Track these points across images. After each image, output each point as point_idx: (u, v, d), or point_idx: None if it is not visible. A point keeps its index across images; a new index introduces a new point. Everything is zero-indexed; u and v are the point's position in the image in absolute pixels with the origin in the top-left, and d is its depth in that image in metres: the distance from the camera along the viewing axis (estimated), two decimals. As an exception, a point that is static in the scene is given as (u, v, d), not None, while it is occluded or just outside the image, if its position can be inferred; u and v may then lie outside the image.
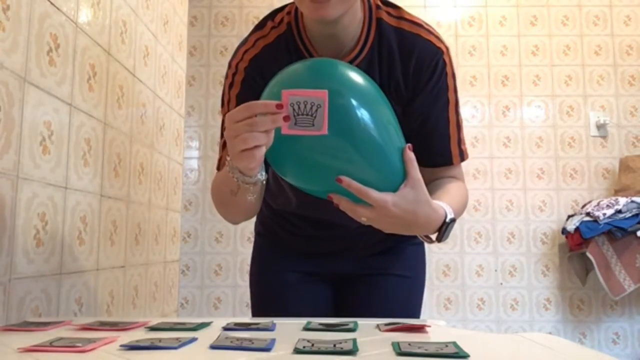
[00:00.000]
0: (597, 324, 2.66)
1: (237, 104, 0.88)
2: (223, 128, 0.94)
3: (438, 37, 0.98)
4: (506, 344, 0.76)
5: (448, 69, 0.98)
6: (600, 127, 2.77)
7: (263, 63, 0.96)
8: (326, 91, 0.71)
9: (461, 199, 0.99)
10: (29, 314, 1.20)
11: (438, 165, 1.02)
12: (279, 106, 0.72)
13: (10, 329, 0.86)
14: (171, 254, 2.40)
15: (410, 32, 0.96)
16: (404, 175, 0.81)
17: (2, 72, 1.11)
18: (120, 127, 1.75)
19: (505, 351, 0.72)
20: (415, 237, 0.99)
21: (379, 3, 0.98)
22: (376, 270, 1.14)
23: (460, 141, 1.04)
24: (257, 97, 0.84)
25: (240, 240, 2.70)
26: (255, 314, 1.20)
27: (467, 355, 0.62)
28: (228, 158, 0.80)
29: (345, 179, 0.76)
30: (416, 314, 1.17)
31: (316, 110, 0.72)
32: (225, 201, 0.95)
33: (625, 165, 2.63)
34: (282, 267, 1.17)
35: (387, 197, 0.78)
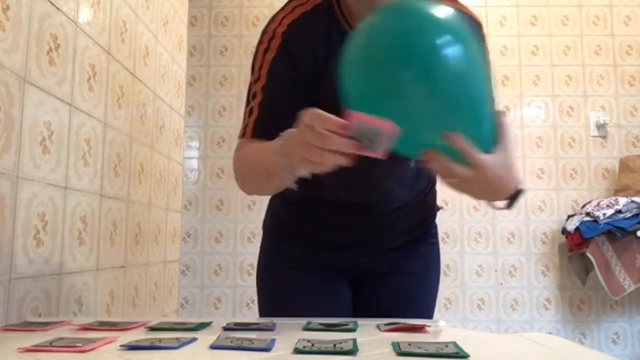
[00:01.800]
0: (597, 324, 2.66)
1: (270, 69, 0.91)
2: (252, 95, 0.95)
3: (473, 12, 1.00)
4: (506, 344, 0.76)
5: (486, 40, 1.00)
6: (600, 127, 2.77)
7: (301, 29, 0.94)
8: (391, 124, 0.68)
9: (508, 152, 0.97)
10: (29, 314, 1.20)
11: None
12: (346, 127, 0.69)
13: (10, 329, 0.86)
14: (171, 254, 2.40)
15: (453, 5, 0.95)
16: (494, 138, 0.78)
17: (2, 72, 1.11)
18: (120, 127, 1.75)
19: (505, 351, 0.72)
20: (433, 233, 1.05)
21: None
22: (394, 269, 1.11)
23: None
24: (291, 64, 0.88)
25: (240, 240, 2.70)
26: (266, 314, 1.12)
27: (467, 355, 0.62)
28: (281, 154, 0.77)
29: (454, 136, 0.73)
30: (431, 314, 1.16)
31: (377, 137, 0.69)
32: (254, 177, 0.94)
33: (625, 165, 2.63)
34: (298, 264, 1.10)
35: (487, 159, 0.76)
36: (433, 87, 0.70)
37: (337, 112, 0.74)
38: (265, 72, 0.96)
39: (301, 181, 0.85)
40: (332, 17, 0.96)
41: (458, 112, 0.73)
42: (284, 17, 0.97)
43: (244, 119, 0.99)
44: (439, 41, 0.70)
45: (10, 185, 1.14)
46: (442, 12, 0.73)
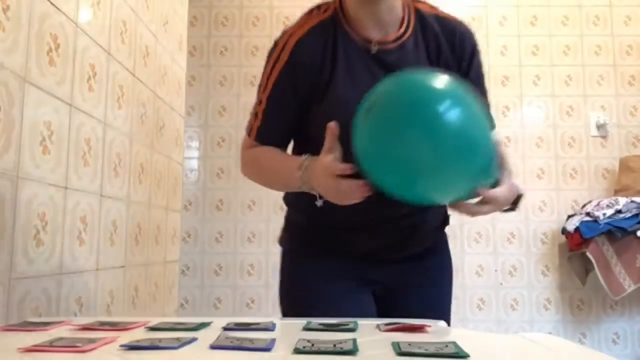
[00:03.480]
0: (597, 324, 2.66)
1: (277, 80, 1.03)
2: (259, 100, 1.06)
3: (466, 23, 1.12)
4: (506, 344, 0.76)
5: (479, 48, 1.11)
6: (600, 127, 2.77)
7: (308, 45, 1.02)
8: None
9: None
10: (29, 314, 1.20)
11: None
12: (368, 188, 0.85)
13: (10, 329, 0.86)
14: (171, 254, 2.40)
15: (446, 18, 1.09)
16: (496, 163, 0.89)
17: (2, 72, 1.11)
18: (120, 127, 1.75)
19: (505, 351, 0.72)
20: (445, 240, 1.18)
21: None
22: (419, 281, 1.14)
23: (490, 106, 1.15)
24: (304, 77, 1.00)
25: (240, 240, 2.70)
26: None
27: (467, 355, 0.62)
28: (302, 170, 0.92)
29: (482, 191, 0.87)
30: (450, 303, 1.20)
31: None
32: (268, 181, 1.10)
33: (625, 165, 2.63)
34: (327, 278, 1.10)
35: (500, 193, 0.91)
36: (437, 144, 0.79)
37: (340, 117, 0.87)
38: (272, 82, 1.04)
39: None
40: (338, 29, 1.03)
41: (464, 161, 0.82)
42: (292, 34, 1.04)
43: (250, 119, 1.09)
44: (440, 108, 0.79)
45: (10, 185, 1.14)
46: (441, 80, 0.85)
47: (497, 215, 2.94)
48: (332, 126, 0.88)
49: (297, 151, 1.10)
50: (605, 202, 2.43)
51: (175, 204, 2.44)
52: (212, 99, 2.80)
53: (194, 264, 2.70)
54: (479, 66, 1.10)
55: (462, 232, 2.71)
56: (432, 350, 0.64)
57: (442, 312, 1.16)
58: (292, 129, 1.06)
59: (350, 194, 0.87)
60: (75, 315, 1.44)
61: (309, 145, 0.98)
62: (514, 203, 1.00)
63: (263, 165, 1.09)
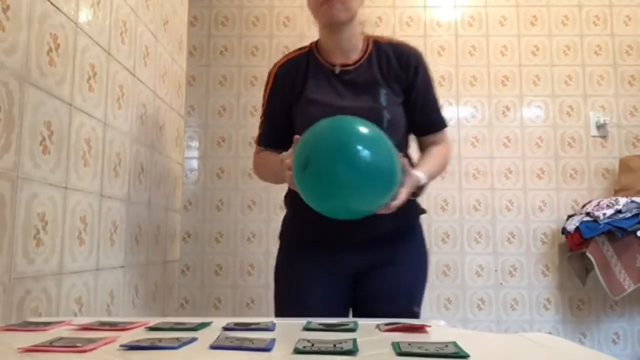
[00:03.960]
0: (597, 324, 2.66)
1: (268, 98, 1.43)
2: (262, 113, 1.45)
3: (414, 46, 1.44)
4: (506, 344, 0.76)
5: (426, 64, 1.42)
6: (600, 127, 2.77)
7: (285, 69, 1.42)
8: None
9: (442, 159, 1.41)
10: (29, 314, 1.20)
11: (434, 131, 1.43)
12: None
13: (10, 329, 0.86)
14: (171, 254, 2.40)
15: (398, 44, 1.42)
16: (400, 175, 1.14)
17: (2, 72, 1.11)
18: (120, 127, 1.75)
19: (505, 351, 0.72)
20: (418, 230, 1.43)
21: (370, 34, 1.44)
22: (385, 262, 1.35)
23: (441, 111, 1.45)
24: (283, 93, 1.39)
25: (240, 240, 2.70)
26: (282, 309, 1.42)
27: (467, 355, 0.62)
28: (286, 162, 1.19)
29: (391, 205, 1.16)
30: (420, 299, 1.39)
31: None
32: (266, 177, 1.47)
33: (625, 165, 2.63)
34: (306, 265, 1.38)
35: (403, 191, 1.17)
36: (358, 171, 1.04)
37: (309, 115, 1.26)
38: (266, 100, 1.44)
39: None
40: (311, 57, 1.41)
41: (380, 182, 1.08)
42: (276, 64, 1.45)
43: (259, 129, 1.47)
44: (359, 147, 1.04)
45: (10, 185, 1.14)
46: (363, 126, 1.09)
47: (498, 215, 2.94)
48: (296, 137, 1.14)
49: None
50: (605, 202, 2.43)
51: (175, 204, 2.44)
52: (212, 99, 2.80)
53: (194, 264, 2.70)
54: (424, 77, 1.39)
55: (462, 232, 2.71)
56: (432, 350, 0.64)
57: (409, 290, 1.37)
58: (286, 132, 1.35)
59: (287, 170, 1.16)
60: (75, 315, 1.44)
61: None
62: (417, 191, 1.28)
63: (262, 165, 1.46)
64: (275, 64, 1.44)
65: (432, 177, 1.32)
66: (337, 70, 1.36)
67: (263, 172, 1.46)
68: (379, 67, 1.36)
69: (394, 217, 1.22)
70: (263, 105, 1.45)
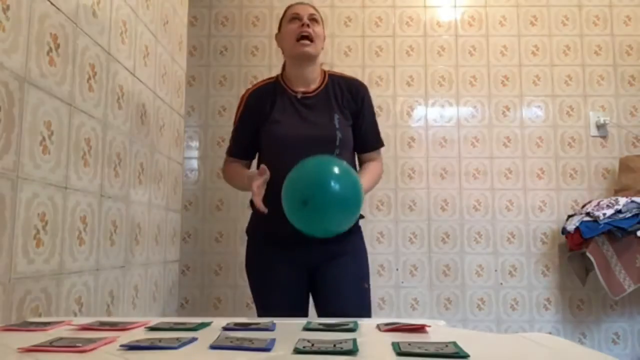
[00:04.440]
0: (597, 324, 2.66)
1: (239, 118, 1.72)
2: (233, 129, 1.74)
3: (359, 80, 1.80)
4: (506, 344, 0.76)
5: (370, 95, 1.75)
6: (600, 127, 2.77)
7: (255, 95, 1.71)
8: None
9: (376, 174, 1.72)
10: (29, 314, 1.20)
11: (373, 149, 1.74)
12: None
13: (10, 329, 0.86)
14: (171, 254, 2.40)
15: (348, 78, 1.76)
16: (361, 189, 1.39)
17: (2, 72, 1.11)
18: (120, 127, 1.75)
19: (505, 351, 0.72)
20: (358, 228, 1.72)
21: (326, 69, 1.76)
22: (337, 254, 1.65)
23: (380, 134, 1.76)
24: (252, 116, 1.68)
25: (240, 240, 2.70)
26: (260, 304, 1.68)
27: (467, 355, 0.62)
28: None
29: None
30: (366, 278, 1.70)
31: None
32: (235, 184, 1.73)
33: (625, 165, 2.63)
34: (272, 260, 1.65)
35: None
36: (346, 208, 1.33)
37: (275, 135, 1.62)
38: (237, 120, 1.72)
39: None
40: (277, 85, 1.71)
41: (356, 211, 1.35)
42: (248, 90, 1.74)
43: (230, 142, 1.76)
44: (326, 179, 1.30)
45: (10, 185, 1.14)
46: (328, 162, 1.35)
47: (497, 215, 2.94)
48: (263, 167, 1.48)
49: (259, 158, 1.73)
50: (605, 202, 2.43)
51: (175, 204, 2.44)
52: (212, 99, 2.80)
53: (194, 264, 2.70)
54: (369, 105, 1.73)
55: (462, 232, 2.71)
56: (432, 350, 0.64)
57: (356, 272, 1.68)
58: (252, 146, 1.70)
59: (256, 196, 1.47)
60: (75, 315, 1.44)
61: (263, 155, 1.69)
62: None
63: (231, 176, 1.73)
64: (247, 90, 1.74)
65: (369, 189, 1.63)
66: (299, 96, 1.67)
67: (232, 181, 1.74)
68: (334, 96, 1.68)
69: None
70: (234, 123, 1.73)
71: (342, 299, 1.62)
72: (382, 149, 1.77)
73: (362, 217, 1.75)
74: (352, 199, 1.32)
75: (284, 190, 1.33)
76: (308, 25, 1.64)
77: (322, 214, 1.30)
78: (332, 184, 1.30)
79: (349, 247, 1.68)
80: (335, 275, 1.65)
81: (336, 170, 1.33)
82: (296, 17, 1.66)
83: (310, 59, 1.65)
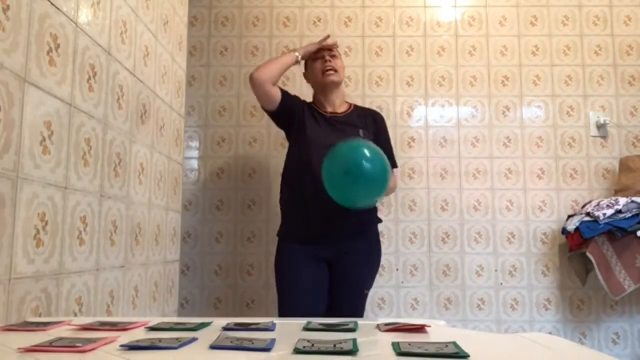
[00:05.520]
0: (597, 324, 2.66)
1: (292, 95, 2.11)
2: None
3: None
4: (506, 344, 0.76)
5: (385, 122, 2.18)
6: (600, 127, 2.77)
7: (293, 96, 2.13)
8: None
9: (391, 186, 1.87)
10: (29, 314, 1.20)
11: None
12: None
13: (10, 329, 0.86)
14: (171, 254, 2.40)
15: (368, 108, 2.21)
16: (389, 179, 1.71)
17: (2, 72, 1.11)
18: (120, 127, 1.75)
19: (505, 351, 0.72)
20: (375, 230, 2.08)
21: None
22: (352, 250, 1.95)
23: (394, 157, 2.13)
24: (296, 103, 2.10)
25: (240, 240, 2.70)
26: (289, 303, 1.93)
27: (467, 355, 0.62)
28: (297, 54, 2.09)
29: None
30: (369, 284, 2.02)
31: None
32: (271, 66, 2.03)
33: (625, 165, 2.63)
34: (301, 261, 1.95)
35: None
36: (362, 179, 1.58)
37: (309, 141, 1.98)
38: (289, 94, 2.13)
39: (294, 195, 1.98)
40: (307, 105, 2.11)
41: (375, 184, 1.61)
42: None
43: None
44: (363, 161, 1.57)
45: (10, 185, 1.14)
46: (362, 145, 1.63)
47: (497, 215, 2.94)
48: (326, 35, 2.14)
49: (289, 158, 2.07)
50: (605, 202, 2.43)
51: (175, 204, 2.44)
52: (212, 99, 2.80)
53: (194, 264, 2.70)
54: (385, 130, 2.14)
55: (462, 232, 2.71)
56: (432, 350, 0.64)
57: (362, 280, 1.98)
58: (285, 103, 2.05)
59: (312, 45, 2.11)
60: (75, 315, 1.44)
61: (292, 161, 2.04)
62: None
63: (268, 61, 2.07)
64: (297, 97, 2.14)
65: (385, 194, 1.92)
66: (328, 115, 2.06)
67: (267, 65, 2.01)
68: (359, 118, 2.08)
69: (357, 222, 1.93)
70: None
71: (339, 301, 1.93)
72: (397, 170, 2.12)
73: (380, 220, 2.10)
74: (382, 178, 1.55)
75: (327, 162, 1.56)
76: (330, 60, 2.07)
77: (359, 184, 1.53)
78: (373, 161, 1.53)
79: (359, 247, 1.96)
80: (343, 274, 1.96)
81: (375, 151, 1.58)
82: (319, 57, 2.11)
83: (335, 85, 2.09)
